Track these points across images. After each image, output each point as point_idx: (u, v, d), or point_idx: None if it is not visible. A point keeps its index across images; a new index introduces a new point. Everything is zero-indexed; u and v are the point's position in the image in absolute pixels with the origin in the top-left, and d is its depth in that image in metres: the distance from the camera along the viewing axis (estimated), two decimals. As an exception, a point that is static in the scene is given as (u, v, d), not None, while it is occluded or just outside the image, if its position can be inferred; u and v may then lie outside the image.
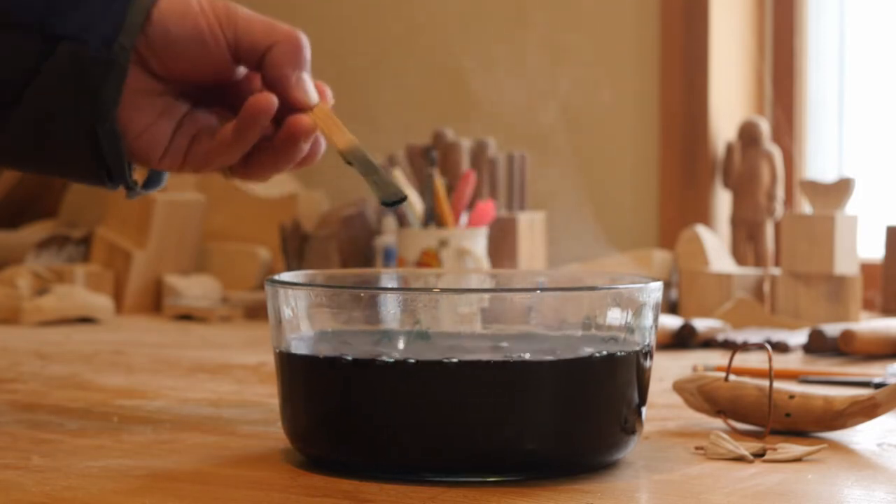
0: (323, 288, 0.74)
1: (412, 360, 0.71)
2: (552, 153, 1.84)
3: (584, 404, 0.70)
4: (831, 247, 1.39)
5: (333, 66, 1.95)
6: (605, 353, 0.71)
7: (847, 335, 1.19)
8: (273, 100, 0.80)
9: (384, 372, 0.70)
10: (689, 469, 0.73)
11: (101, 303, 1.52)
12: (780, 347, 1.24)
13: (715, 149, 1.75)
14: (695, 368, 1.11)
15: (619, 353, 0.71)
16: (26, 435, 0.82)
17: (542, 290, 0.82)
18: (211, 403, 0.95)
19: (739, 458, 0.74)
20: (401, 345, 0.73)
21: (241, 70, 0.84)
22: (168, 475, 0.71)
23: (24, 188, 1.88)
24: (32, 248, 1.68)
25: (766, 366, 0.83)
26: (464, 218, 1.45)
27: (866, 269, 1.49)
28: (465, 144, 1.58)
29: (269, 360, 0.91)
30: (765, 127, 1.67)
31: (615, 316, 0.72)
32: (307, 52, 0.82)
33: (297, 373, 0.73)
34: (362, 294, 0.72)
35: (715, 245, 1.52)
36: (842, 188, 1.42)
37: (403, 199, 0.79)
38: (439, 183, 1.44)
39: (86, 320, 1.50)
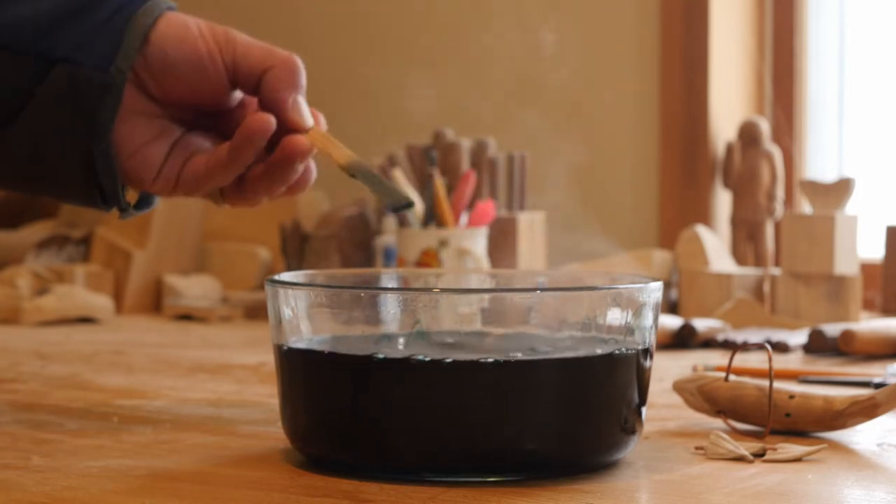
0: (323, 288, 0.74)
1: (412, 361, 0.71)
2: (552, 153, 1.84)
3: (585, 404, 0.70)
4: (831, 247, 1.39)
5: (335, 67, 1.95)
6: (605, 353, 0.71)
7: (847, 335, 1.19)
8: (271, 120, 0.80)
9: (384, 372, 0.70)
10: (689, 469, 0.73)
11: (101, 303, 1.52)
12: (780, 347, 1.24)
13: (715, 149, 1.76)
14: (695, 368, 1.11)
15: (619, 354, 0.71)
16: (26, 435, 0.82)
17: (542, 290, 0.82)
18: (211, 403, 0.95)
19: (739, 458, 0.74)
20: (401, 345, 0.73)
21: (237, 96, 0.84)
22: (168, 475, 0.71)
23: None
24: (32, 248, 1.68)
25: (766, 366, 0.83)
26: (464, 218, 1.45)
27: (866, 269, 1.49)
28: (465, 144, 1.58)
29: (269, 360, 0.91)
30: (765, 127, 1.67)
31: (615, 316, 0.72)
32: (303, 76, 0.82)
33: (297, 373, 0.73)
34: (362, 294, 0.72)
35: (715, 245, 1.52)
36: (842, 188, 1.42)
37: (411, 204, 0.80)
38: (439, 183, 1.44)
39: (86, 320, 1.50)
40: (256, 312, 1.55)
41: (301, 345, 0.73)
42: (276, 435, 0.80)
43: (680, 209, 1.76)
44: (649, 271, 1.50)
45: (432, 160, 1.47)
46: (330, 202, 1.79)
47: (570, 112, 1.85)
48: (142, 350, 1.26)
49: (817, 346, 1.21)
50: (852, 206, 1.43)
